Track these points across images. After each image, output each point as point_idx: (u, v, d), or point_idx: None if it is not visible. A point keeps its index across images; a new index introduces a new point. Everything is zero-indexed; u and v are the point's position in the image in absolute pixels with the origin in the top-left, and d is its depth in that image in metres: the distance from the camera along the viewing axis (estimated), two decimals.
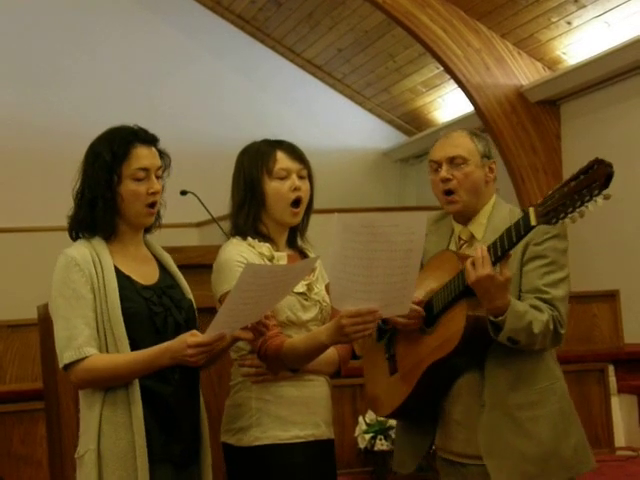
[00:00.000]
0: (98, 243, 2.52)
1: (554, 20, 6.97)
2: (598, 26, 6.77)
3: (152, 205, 2.53)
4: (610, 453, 5.34)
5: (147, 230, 2.65)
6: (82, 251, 2.49)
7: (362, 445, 4.87)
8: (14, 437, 4.54)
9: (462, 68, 7.40)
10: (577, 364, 5.36)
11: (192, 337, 2.34)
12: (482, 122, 7.40)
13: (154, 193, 2.52)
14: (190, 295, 2.63)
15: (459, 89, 7.75)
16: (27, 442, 4.53)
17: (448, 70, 7.55)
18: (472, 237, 2.73)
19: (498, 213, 2.71)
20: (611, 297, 6.24)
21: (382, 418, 4.82)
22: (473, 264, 2.47)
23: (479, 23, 7.45)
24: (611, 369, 5.63)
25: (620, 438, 5.57)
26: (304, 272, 2.48)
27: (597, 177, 2.28)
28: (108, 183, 2.49)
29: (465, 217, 2.76)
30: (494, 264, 2.46)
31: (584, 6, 6.65)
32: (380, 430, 4.80)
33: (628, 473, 4.91)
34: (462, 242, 2.75)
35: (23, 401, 4.72)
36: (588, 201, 2.30)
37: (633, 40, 6.47)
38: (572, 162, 7.32)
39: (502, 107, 7.44)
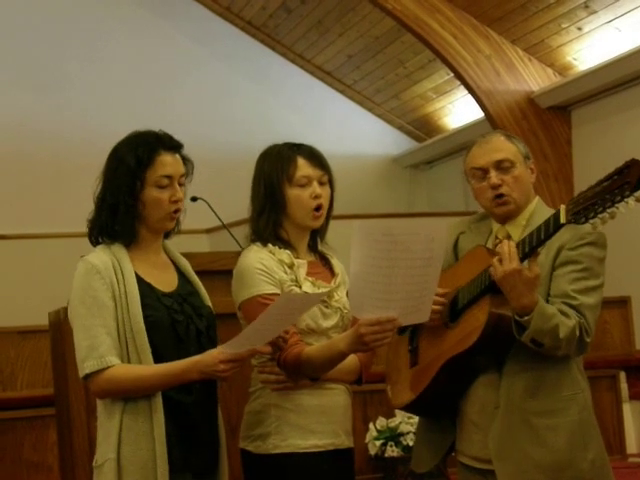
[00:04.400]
0: (118, 249, 2.48)
1: (565, 26, 6.96)
2: (609, 32, 6.75)
3: (175, 212, 2.52)
4: (622, 460, 5.32)
5: (166, 236, 2.64)
6: (103, 258, 2.45)
7: (373, 452, 4.87)
8: (25, 443, 4.55)
9: (472, 74, 7.39)
10: (588, 370, 5.27)
11: (223, 354, 2.33)
12: (492, 128, 7.39)
13: (177, 201, 2.50)
14: (209, 302, 2.62)
15: (469, 95, 7.74)
16: (38, 448, 4.54)
17: (458, 76, 7.54)
18: (509, 237, 2.65)
19: (539, 215, 2.62)
20: (622, 303, 6.23)
21: (393, 425, 4.82)
22: (500, 260, 2.42)
23: (489, 29, 7.44)
24: (622, 376, 5.61)
25: (632, 444, 5.55)
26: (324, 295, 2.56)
27: (630, 178, 2.22)
28: (131, 189, 2.46)
29: (507, 218, 2.70)
30: (522, 260, 2.42)
31: (595, 12, 6.64)
32: (391, 437, 4.80)
33: None
34: (498, 241, 2.68)
35: (34, 407, 4.73)
36: (619, 202, 2.24)
37: None
38: (583, 168, 7.30)
39: (513, 113, 7.43)
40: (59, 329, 3.31)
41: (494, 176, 2.64)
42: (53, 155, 8.56)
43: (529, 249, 2.42)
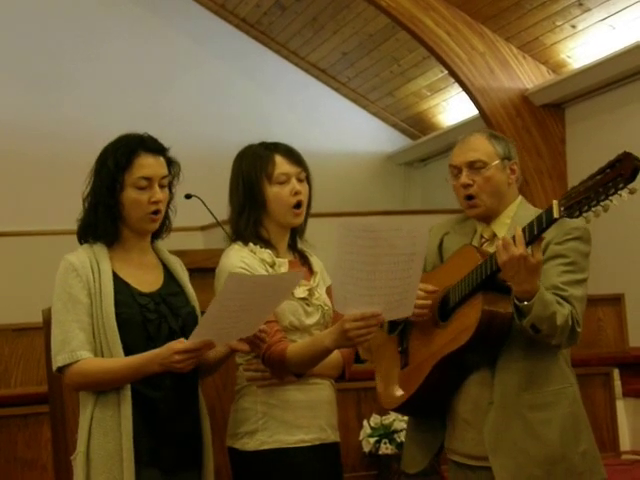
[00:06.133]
0: (99, 249, 2.54)
1: (559, 24, 6.96)
2: (603, 29, 6.76)
3: (155, 213, 2.55)
4: (615, 457, 5.32)
5: (157, 235, 2.66)
6: (81, 256, 2.53)
7: (367, 449, 4.86)
8: (19, 441, 4.54)
9: (466, 72, 7.39)
10: (582, 368, 5.33)
11: (179, 344, 2.37)
12: (487, 126, 7.39)
13: (156, 202, 2.53)
14: (194, 302, 2.64)
15: (464, 93, 7.75)
16: (32, 446, 4.53)
17: (452, 74, 7.55)
18: (494, 236, 2.70)
19: (523, 213, 2.67)
20: (616, 301, 6.22)
21: (387, 422, 4.82)
22: (504, 245, 2.42)
23: (484, 27, 7.44)
24: (616, 373, 5.61)
25: (625, 442, 5.55)
26: (291, 283, 2.49)
27: (623, 170, 2.26)
28: (110, 190, 2.52)
29: (488, 218, 2.74)
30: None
31: (589, 9, 6.64)
32: (385, 434, 4.79)
33: (634, 477, 4.89)
34: (484, 240, 2.73)
35: (28, 405, 4.71)
36: (613, 194, 2.28)
37: (638, 44, 6.46)
38: (577, 166, 7.31)
39: (507, 111, 7.44)
40: None
41: (465, 176, 2.70)
42: (50, 153, 8.56)
43: (529, 238, 2.43)
